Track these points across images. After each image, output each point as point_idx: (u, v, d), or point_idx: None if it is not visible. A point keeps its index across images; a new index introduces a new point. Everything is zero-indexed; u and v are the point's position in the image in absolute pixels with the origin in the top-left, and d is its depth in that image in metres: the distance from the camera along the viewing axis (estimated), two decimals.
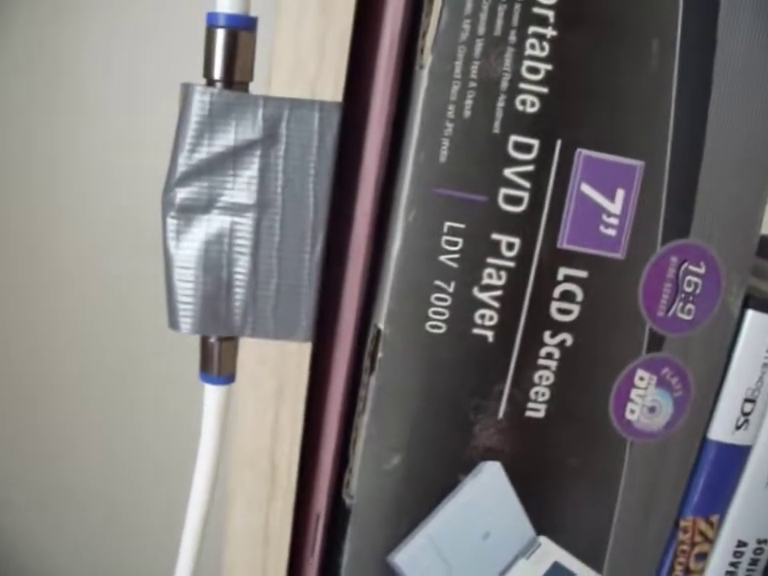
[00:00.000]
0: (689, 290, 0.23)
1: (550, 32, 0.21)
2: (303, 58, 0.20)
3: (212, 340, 0.23)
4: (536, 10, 0.21)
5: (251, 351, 0.22)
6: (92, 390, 0.62)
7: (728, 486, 0.26)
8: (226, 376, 0.24)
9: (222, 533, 0.24)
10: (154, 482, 0.64)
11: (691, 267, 0.23)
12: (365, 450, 0.24)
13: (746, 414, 0.25)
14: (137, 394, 0.62)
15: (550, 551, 0.25)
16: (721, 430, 0.25)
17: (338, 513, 0.25)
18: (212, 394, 0.25)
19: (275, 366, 0.22)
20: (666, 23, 0.22)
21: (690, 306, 0.23)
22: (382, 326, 0.23)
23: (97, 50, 0.53)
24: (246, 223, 0.21)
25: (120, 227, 0.57)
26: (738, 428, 0.25)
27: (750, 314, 0.24)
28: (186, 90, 0.21)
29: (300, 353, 0.22)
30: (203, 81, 0.22)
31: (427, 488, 0.24)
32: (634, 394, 0.24)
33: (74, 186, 0.56)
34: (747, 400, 0.25)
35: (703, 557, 0.26)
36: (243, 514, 0.23)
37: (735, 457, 0.25)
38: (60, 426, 0.63)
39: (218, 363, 0.24)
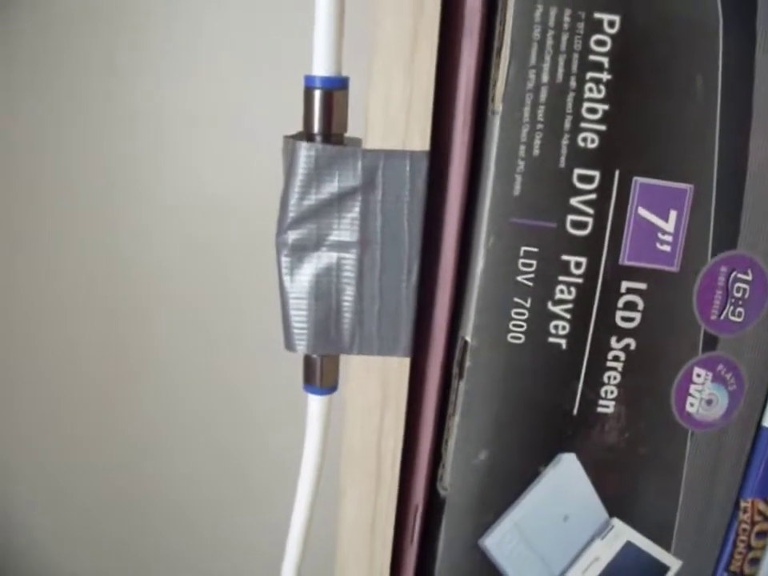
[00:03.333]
0: (738, 295, 0.26)
1: (605, 76, 0.24)
2: (393, 117, 0.24)
3: (315, 356, 0.27)
4: (592, 57, 0.24)
5: (359, 364, 0.26)
6: (189, 397, 0.66)
7: None
8: (328, 387, 0.28)
9: (335, 524, 0.28)
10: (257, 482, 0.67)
11: (739, 275, 0.26)
12: (456, 447, 0.27)
13: None
14: (235, 401, 0.66)
15: (623, 532, 0.28)
16: None
17: (434, 504, 0.28)
18: (315, 403, 0.28)
19: (380, 376, 0.26)
20: (708, 60, 0.25)
21: (739, 309, 0.26)
22: (468, 338, 0.26)
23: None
24: (350, 258, 0.25)
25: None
26: None
27: None
28: (292, 146, 0.24)
29: (401, 364, 0.25)
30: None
31: (511, 479, 0.27)
32: (692, 389, 0.27)
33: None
34: None
35: (764, 535, 0.29)
36: (353, 506, 0.27)
37: None
38: (157, 432, 0.67)
39: (320, 376, 0.28)
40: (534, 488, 0.27)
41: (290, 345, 0.26)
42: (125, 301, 0.63)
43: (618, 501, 0.28)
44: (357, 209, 0.24)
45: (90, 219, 0.60)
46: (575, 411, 0.27)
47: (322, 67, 0.25)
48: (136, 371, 0.65)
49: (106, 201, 0.60)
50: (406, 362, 0.26)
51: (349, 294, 0.25)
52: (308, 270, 0.25)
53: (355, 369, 0.26)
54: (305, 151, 0.24)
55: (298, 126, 0.26)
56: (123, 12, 0.54)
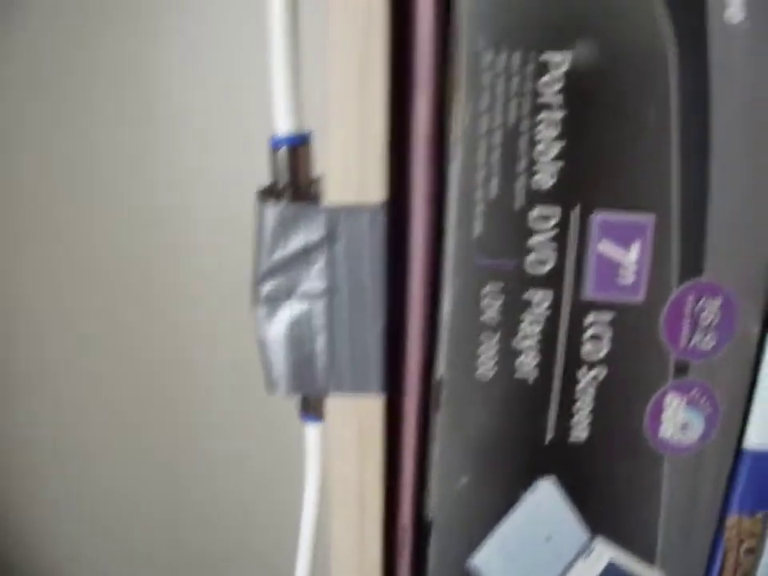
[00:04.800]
0: (707, 322, 0.26)
1: (558, 114, 0.25)
2: (350, 173, 0.25)
3: None
4: (542, 99, 0.25)
5: (336, 399, 0.27)
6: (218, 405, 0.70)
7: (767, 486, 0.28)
8: (321, 415, 0.30)
9: (329, 549, 0.29)
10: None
11: (707, 303, 0.26)
12: (438, 474, 0.28)
13: None
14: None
15: (605, 552, 0.29)
16: (755, 437, 0.28)
17: (422, 527, 0.30)
18: (312, 431, 0.30)
19: (355, 412, 0.27)
20: (661, 90, 0.25)
21: (709, 335, 0.26)
22: (442, 374, 0.27)
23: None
24: (320, 305, 0.26)
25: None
26: None
27: None
28: (261, 206, 0.26)
29: (375, 399, 0.27)
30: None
31: (493, 503, 0.28)
32: (665, 415, 0.27)
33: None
34: None
35: (752, 552, 0.29)
36: (342, 527, 0.29)
37: None
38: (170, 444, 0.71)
39: (314, 407, 0.29)
40: (515, 512, 0.28)
41: (269, 388, 0.27)
42: (163, 279, 0.66)
43: (598, 521, 0.28)
44: (322, 260, 0.26)
45: (123, 203, 0.63)
46: (548, 441, 0.27)
47: (283, 127, 0.26)
48: (179, 344, 0.69)
49: (139, 184, 0.63)
50: (380, 397, 0.27)
51: (321, 340, 0.26)
52: (282, 319, 0.26)
53: (332, 403, 0.27)
54: (271, 211, 0.25)
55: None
56: None
